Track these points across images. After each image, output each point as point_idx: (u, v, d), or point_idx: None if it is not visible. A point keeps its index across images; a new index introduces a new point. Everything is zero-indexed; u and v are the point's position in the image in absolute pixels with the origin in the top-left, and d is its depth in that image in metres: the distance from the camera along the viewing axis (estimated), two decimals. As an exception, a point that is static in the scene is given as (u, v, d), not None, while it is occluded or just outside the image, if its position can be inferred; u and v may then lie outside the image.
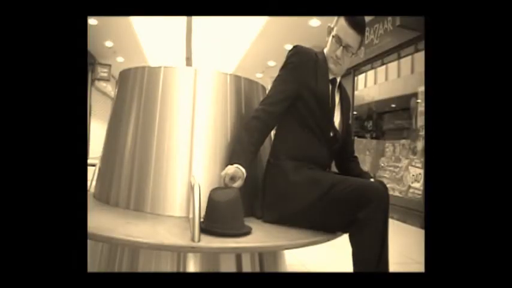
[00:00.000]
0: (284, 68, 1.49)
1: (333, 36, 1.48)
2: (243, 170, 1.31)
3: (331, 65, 1.50)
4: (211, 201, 1.18)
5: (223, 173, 1.29)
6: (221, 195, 1.19)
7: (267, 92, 1.52)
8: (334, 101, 1.54)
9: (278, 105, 1.43)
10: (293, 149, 1.45)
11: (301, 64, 1.46)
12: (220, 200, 1.17)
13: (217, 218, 1.16)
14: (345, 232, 1.32)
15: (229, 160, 1.36)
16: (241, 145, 1.38)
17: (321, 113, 1.46)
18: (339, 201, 1.27)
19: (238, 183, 1.28)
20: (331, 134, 1.51)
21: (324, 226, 1.35)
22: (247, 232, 1.20)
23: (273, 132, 1.56)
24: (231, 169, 1.28)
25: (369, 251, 1.22)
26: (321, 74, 1.48)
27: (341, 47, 1.45)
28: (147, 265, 1.33)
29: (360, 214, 1.22)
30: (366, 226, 1.22)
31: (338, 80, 1.57)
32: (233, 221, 1.18)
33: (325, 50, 1.53)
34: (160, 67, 1.50)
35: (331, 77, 1.52)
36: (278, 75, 1.49)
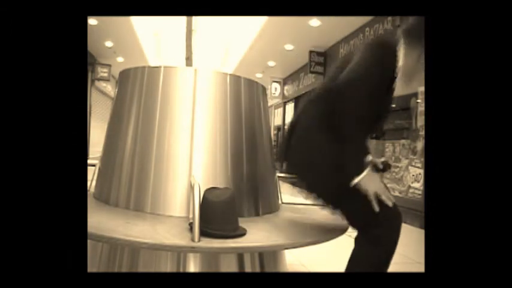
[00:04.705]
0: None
1: None
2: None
3: None
4: (204, 201, 1.16)
5: (373, 191, 1.18)
6: (215, 195, 1.17)
7: (267, 92, 1.52)
8: None
9: None
10: None
11: None
12: (213, 200, 1.16)
13: (210, 218, 1.14)
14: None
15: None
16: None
17: None
18: (362, 199, 1.20)
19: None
20: None
21: (345, 212, 1.30)
22: (241, 234, 1.17)
23: None
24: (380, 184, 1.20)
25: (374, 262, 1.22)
26: None
27: None
28: (147, 265, 1.33)
29: (377, 230, 1.20)
30: (380, 244, 1.21)
31: None
32: (225, 223, 1.16)
33: None
34: (160, 67, 1.50)
35: None
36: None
